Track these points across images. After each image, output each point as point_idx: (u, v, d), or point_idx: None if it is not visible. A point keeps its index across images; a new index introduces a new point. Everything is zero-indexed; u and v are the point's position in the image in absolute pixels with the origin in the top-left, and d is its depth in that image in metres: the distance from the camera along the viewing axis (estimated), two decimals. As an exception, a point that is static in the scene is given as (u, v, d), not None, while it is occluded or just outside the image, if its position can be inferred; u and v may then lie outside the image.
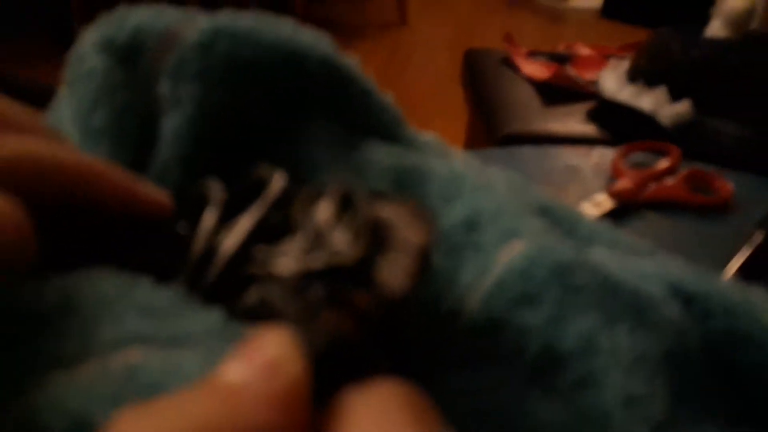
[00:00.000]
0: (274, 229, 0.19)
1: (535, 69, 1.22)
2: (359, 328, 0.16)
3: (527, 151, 0.61)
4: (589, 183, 0.55)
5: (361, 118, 0.28)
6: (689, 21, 1.05)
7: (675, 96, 0.97)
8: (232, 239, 0.19)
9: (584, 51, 1.34)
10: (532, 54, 1.34)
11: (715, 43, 0.96)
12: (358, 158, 0.26)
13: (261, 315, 0.17)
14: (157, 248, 0.20)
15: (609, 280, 0.21)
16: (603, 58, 1.29)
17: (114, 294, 0.17)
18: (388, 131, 0.29)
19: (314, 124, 0.26)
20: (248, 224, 0.19)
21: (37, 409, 0.14)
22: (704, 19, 1.01)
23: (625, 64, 1.10)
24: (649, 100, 0.98)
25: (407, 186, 0.26)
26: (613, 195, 0.51)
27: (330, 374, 0.15)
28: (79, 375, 0.15)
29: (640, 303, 0.21)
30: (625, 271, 0.23)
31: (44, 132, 0.20)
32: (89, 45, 0.26)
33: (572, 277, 0.21)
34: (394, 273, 0.17)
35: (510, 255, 0.22)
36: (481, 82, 1.25)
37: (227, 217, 0.20)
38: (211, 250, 0.19)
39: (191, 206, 0.21)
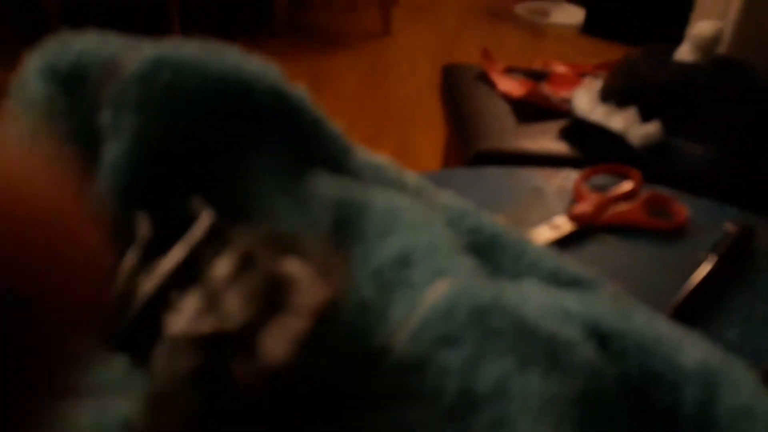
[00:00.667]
0: (192, 271, 0.19)
1: (511, 86, 1.24)
2: (235, 401, 0.16)
3: (494, 172, 0.63)
4: (551, 205, 0.56)
5: (309, 148, 0.29)
6: (667, 39, 1.07)
7: (645, 117, 0.99)
8: (148, 285, 0.19)
9: (560, 69, 1.37)
10: (509, 70, 1.36)
11: (683, 66, 0.98)
12: (303, 191, 0.27)
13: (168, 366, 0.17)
14: None
15: (525, 324, 0.22)
16: (578, 76, 1.31)
17: None
18: (337, 161, 0.30)
19: (261, 155, 0.27)
20: (167, 268, 0.19)
21: None
22: (681, 38, 1.04)
23: (598, 84, 1.12)
24: (620, 120, 1.00)
25: (347, 220, 0.26)
26: (572, 218, 0.53)
27: None
28: None
29: (555, 346, 0.22)
30: (546, 312, 0.24)
31: None
32: (32, 71, 0.26)
33: (490, 320, 0.21)
34: (278, 340, 0.16)
35: (435, 295, 0.22)
36: (457, 98, 1.26)
37: (155, 253, 0.20)
38: (129, 293, 0.19)
39: (122, 239, 0.21)
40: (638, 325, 0.25)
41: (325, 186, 0.27)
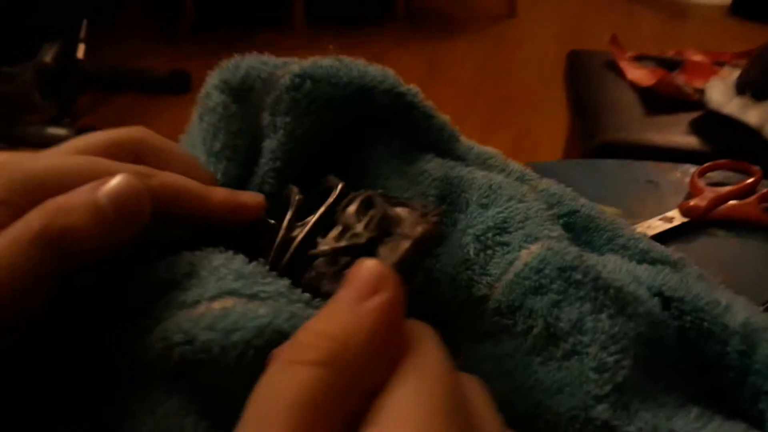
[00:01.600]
0: (331, 222, 0.29)
1: (641, 74, 1.26)
2: None
3: (609, 164, 0.68)
4: (665, 199, 0.61)
5: (421, 137, 0.38)
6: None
7: (784, 111, 0.99)
8: (301, 234, 0.29)
9: (696, 57, 1.36)
10: (639, 58, 1.37)
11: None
12: (414, 170, 0.35)
13: (313, 280, 0.27)
14: (253, 236, 0.30)
15: (601, 278, 0.29)
16: (715, 65, 1.31)
17: (220, 264, 0.27)
18: (445, 147, 0.38)
19: (380, 143, 0.36)
20: (312, 221, 0.29)
21: (165, 329, 0.24)
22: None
23: (734, 75, 1.12)
24: (756, 114, 1.01)
25: (452, 193, 0.35)
26: (684, 212, 0.57)
27: None
28: (194, 312, 0.25)
29: (624, 297, 0.29)
30: (620, 274, 0.32)
31: (181, 158, 0.31)
32: (212, 86, 0.37)
33: (573, 274, 0.29)
34: (390, 253, 0.26)
35: (529, 255, 0.30)
36: (582, 85, 1.30)
37: (305, 213, 0.30)
38: (288, 239, 0.29)
39: (281, 206, 0.31)
40: (696, 292, 0.32)
41: (433, 165, 0.36)
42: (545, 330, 0.28)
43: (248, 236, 0.31)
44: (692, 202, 0.58)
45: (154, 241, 0.29)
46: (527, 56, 2.66)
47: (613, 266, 0.33)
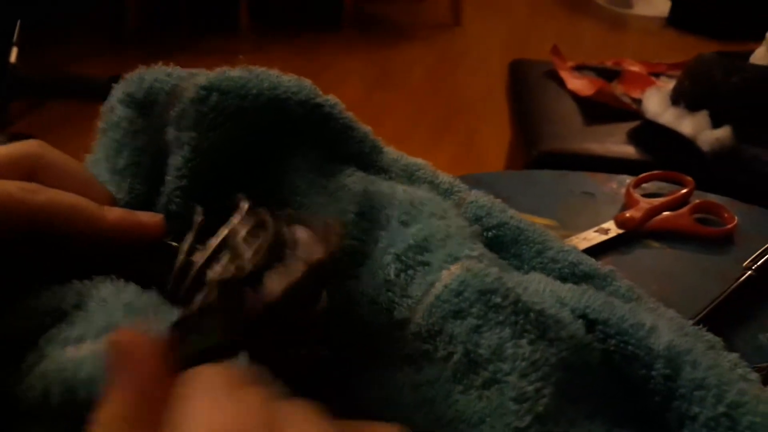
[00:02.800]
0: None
1: (580, 84, 1.28)
2: (245, 322, 0.24)
3: (546, 175, 0.68)
4: (601, 210, 0.61)
5: (341, 148, 0.37)
6: (758, 35, 1.09)
7: (716, 122, 1.02)
8: (201, 259, 0.27)
9: (633, 67, 1.39)
10: (580, 68, 1.39)
11: (757, 70, 1.01)
12: (333, 184, 0.34)
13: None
14: (153, 259, 0.29)
15: (521, 302, 0.29)
16: (652, 76, 1.34)
17: (108, 295, 0.26)
18: (367, 159, 0.38)
19: (297, 156, 0.35)
20: (213, 246, 0.27)
21: (45, 374, 0.22)
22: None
23: (670, 85, 1.15)
24: (690, 124, 1.04)
25: (372, 209, 0.34)
26: (620, 223, 0.58)
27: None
28: (77, 353, 0.23)
29: (545, 322, 0.29)
30: (543, 296, 0.31)
31: (78, 175, 0.30)
32: (116, 99, 0.35)
33: (493, 298, 0.28)
34: (278, 281, 0.24)
35: (449, 276, 0.29)
36: (523, 95, 1.31)
37: (209, 234, 0.28)
38: (188, 264, 0.27)
39: (187, 226, 0.29)
40: (620, 314, 0.31)
41: (353, 180, 0.35)
42: (465, 357, 0.28)
43: (147, 259, 0.29)
44: (627, 214, 0.58)
45: (41, 262, 0.28)
46: (473, 64, 2.69)
47: (536, 287, 0.32)
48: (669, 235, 0.58)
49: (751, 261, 0.54)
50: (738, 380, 0.30)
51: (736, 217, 0.59)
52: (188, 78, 0.34)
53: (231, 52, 2.63)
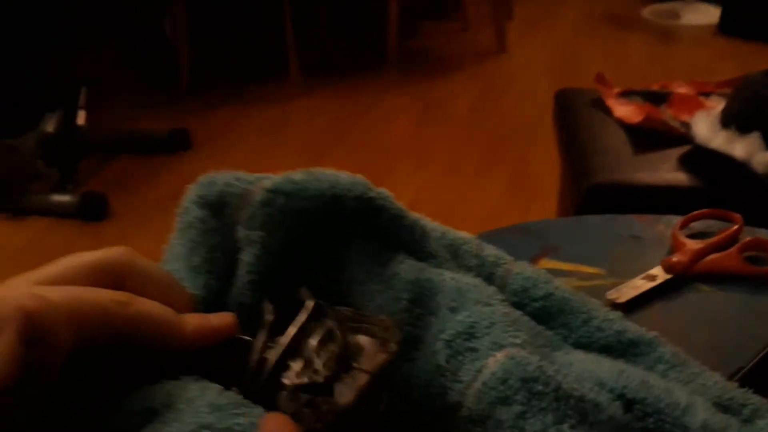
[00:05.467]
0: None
1: (628, 111, 1.27)
2: (323, 423, 0.27)
3: (593, 220, 0.69)
4: (648, 254, 0.62)
5: (393, 237, 0.39)
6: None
7: (770, 143, 1.00)
8: (272, 356, 0.29)
9: (681, 89, 1.38)
10: (626, 93, 1.39)
11: (810, 88, 0.99)
12: (387, 272, 0.37)
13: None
14: (228, 354, 0.32)
15: (561, 388, 0.30)
16: (701, 96, 1.32)
17: (195, 395, 0.28)
18: (416, 245, 0.40)
19: (353, 248, 0.38)
20: (284, 343, 0.29)
21: None
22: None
23: (718, 108, 1.14)
24: (742, 147, 1.02)
25: (423, 296, 0.36)
26: (667, 268, 0.58)
27: None
28: None
29: (585, 406, 0.30)
30: (582, 380, 0.32)
31: (161, 280, 0.33)
32: (189, 201, 0.39)
33: (535, 385, 0.30)
34: (347, 389, 0.27)
35: (495, 363, 0.31)
36: (570, 125, 1.32)
37: (280, 329, 0.30)
38: (261, 361, 0.30)
39: (259, 318, 0.32)
40: (656, 393, 0.32)
41: (405, 268, 0.37)
42: None
43: (223, 354, 0.32)
44: (674, 258, 0.59)
45: (131, 366, 0.30)
46: (520, 91, 2.70)
47: (576, 369, 0.34)
48: (718, 278, 0.58)
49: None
50: None
51: (789, 255, 0.59)
52: (255, 182, 0.38)
53: (282, 99, 2.71)
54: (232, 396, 0.29)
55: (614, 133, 1.23)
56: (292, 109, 2.65)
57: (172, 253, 0.38)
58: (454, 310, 0.35)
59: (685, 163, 1.09)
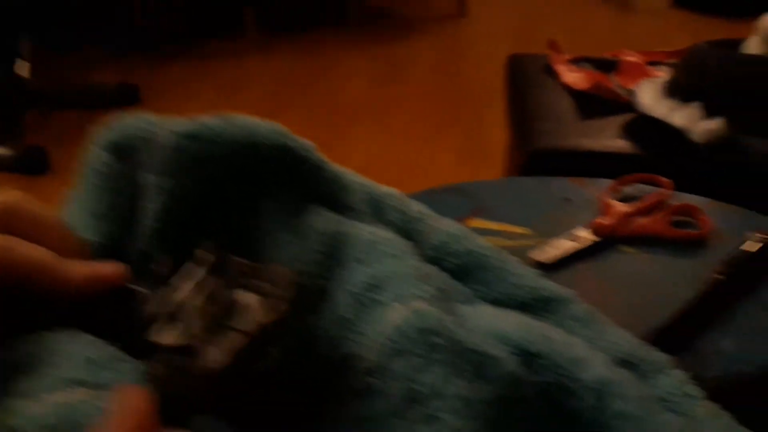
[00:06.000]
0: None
1: (576, 78, 1.27)
2: (189, 388, 0.25)
3: (527, 182, 0.69)
4: (577, 217, 0.62)
5: (311, 189, 0.38)
6: (765, 9, 1.07)
7: (710, 113, 1.01)
8: (154, 312, 0.28)
9: (631, 57, 1.38)
10: (578, 60, 1.39)
11: (751, 59, 1.00)
12: (302, 224, 0.36)
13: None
14: (117, 305, 0.30)
15: (460, 342, 0.30)
16: (650, 65, 1.33)
17: (70, 348, 0.27)
18: (336, 198, 0.39)
19: (269, 199, 0.36)
20: (168, 299, 0.28)
21: (10, 427, 0.24)
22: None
23: (663, 77, 1.14)
24: (683, 116, 1.03)
25: (336, 249, 0.35)
26: (594, 230, 0.58)
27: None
28: (33, 406, 0.25)
29: (482, 360, 0.30)
30: (484, 335, 0.32)
31: (53, 226, 0.31)
32: (97, 145, 0.36)
33: (433, 338, 0.30)
34: (217, 354, 0.26)
35: (397, 316, 0.31)
36: (519, 90, 1.31)
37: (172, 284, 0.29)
38: (145, 317, 0.28)
39: (151, 275, 0.31)
40: (556, 348, 0.32)
41: (321, 220, 0.36)
42: (407, 393, 0.29)
43: (112, 306, 0.31)
44: (601, 220, 0.59)
45: (9, 314, 0.29)
46: (479, 55, 2.68)
47: (483, 324, 0.33)
48: (643, 241, 0.59)
49: (722, 264, 0.54)
50: (661, 412, 0.31)
51: (711, 220, 0.60)
52: (167, 126, 0.36)
53: (237, 55, 2.64)
54: (112, 351, 0.28)
55: (561, 100, 1.23)
56: (247, 67, 2.59)
57: (75, 198, 0.37)
58: (362, 262, 0.34)
59: (628, 130, 1.10)
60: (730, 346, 0.47)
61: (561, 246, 0.57)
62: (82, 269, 0.30)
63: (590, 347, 0.35)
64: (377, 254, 0.34)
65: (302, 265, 0.34)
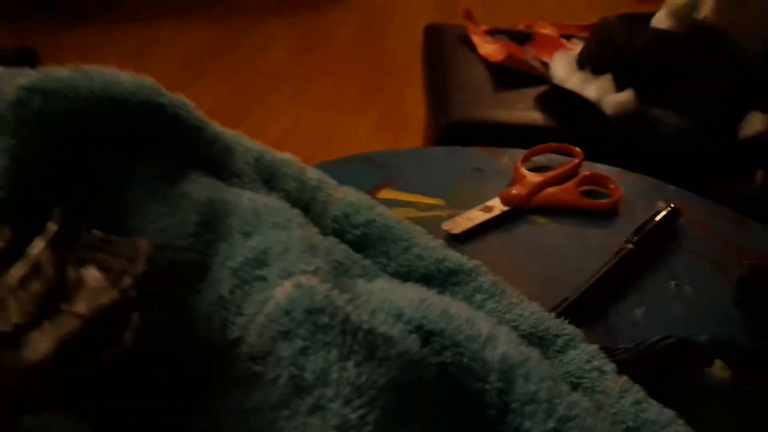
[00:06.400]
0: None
1: (491, 49, 1.26)
2: (16, 383, 0.21)
3: (437, 152, 0.67)
4: (489, 187, 0.60)
5: (188, 152, 0.34)
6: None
7: (620, 85, 1.02)
8: None
9: (545, 29, 1.38)
10: (493, 32, 1.38)
11: (659, 33, 1.01)
12: (176, 193, 0.32)
13: None
14: None
15: (349, 321, 0.27)
16: (564, 38, 1.33)
17: None
18: (217, 163, 0.35)
19: (140, 162, 0.32)
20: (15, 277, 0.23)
21: None
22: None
23: (577, 49, 1.15)
24: (594, 89, 1.04)
25: (215, 218, 0.31)
26: (505, 200, 0.57)
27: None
28: None
29: (375, 341, 0.27)
30: (379, 313, 0.29)
31: None
32: None
33: (321, 318, 0.26)
34: (45, 339, 0.21)
35: (282, 293, 0.27)
36: (436, 61, 1.29)
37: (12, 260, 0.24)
38: None
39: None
40: (456, 325, 0.30)
41: (198, 187, 0.32)
42: (291, 380, 0.26)
43: None
44: (513, 191, 0.58)
45: None
46: (400, 27, 2.64)
47: (376, 299, 0.30)
48: (555, 211, 0.58)
49: (631, 234, 0.53)
50: (568, 393, 0.29)
51: (622, 189, 0.59)
52: (7, 78, 0.31)
53: (149, 19, 2.51)
54: None
55: (477, 71, 1.21)
56: (160, 32, 2.46)
57: None
58: (246, 234, 0.31)
59: (541, 102, 1.10)
60: (642, 315, 0.47)
61: (471, 217, 0.55)
62: None
63: (496, 322, 0.33)
64: (262, 225, 0.31)
65: (175, 238, 0.30)
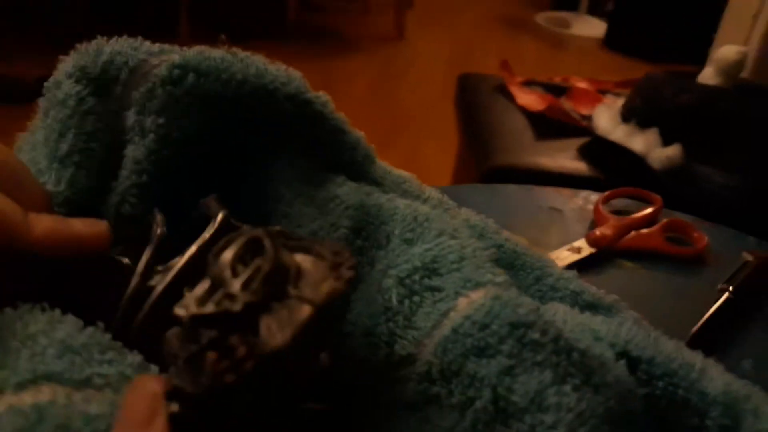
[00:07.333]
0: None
1: (530, 99, 1.26)
2: (238, 374, 0.17)
3: (511, 190, 0.65)
4: (570, 227, 0.58)
5: (330, 155, 0.31)
6: (690, 59, 1.09)
7: (666, 140, 1.01)
8: (160, 285, 0.21)
9: (581, 84, 1.39)
10: (528, 83, 1.38)
11: (706, 89, 1.01)
12: (323, 194, 0.29)
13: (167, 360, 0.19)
14: (96, 280, 0.22)
15: (562, 339, 0.24)
16: (599, 93, 1.34)
17: (38, 330, 0.19)
18: (358, 168, 0.32)
19: (282, 159, 0.29)
20: (177, 268, 0.21)
21: None
22: (702, 59, 1.05)
23: (619, 102, 1.14)
24: (641, 142, 1.03)
25: (369, 224, 0.28)
26: (592, 242, 0.55)
27: (216, 413, 0.17)
28: None
29: (589, 364, 0.24)
30: (579, 332, 0.26)
31: (7, 167, 0.24)
32: (64, 74, 0.29)
33: (529, 333, 0.23)
34: (280, 325, 0.18)
35: (469, 305, 0.24)
36: (473, 109, 1.29)
37: (172, 252, 0.22)
38: (143, 290, 0.21)
39: (143, 236, 0.23)
40: (665, 351, 0.27)
41: (346, 191, 0.29)
42: (492, 404, 0.22)
43: (90, 277, 0.23)
44: (599, 232, 0.55)
45: None
46: (417, 78, 2.67)
47: (566, 320, 0.27)
48: (641, 255, 0.55)
49: (726, 282, 0.51)
50: None
51: (706, 237, 0.57)
52: (159, 54, 0.28)
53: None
54: (96, 335, 0.20)
55: (516, 119, 1.21)
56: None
57: (31, 139, 0.28)
58: (408, 241, 0.28)
59: (584, 152, 1.09)
60: (750, 367, 0.44)
61: (561, 257, 0.52)
62: (47, 223, 0.23)
63: (702, 355, 0.29)
64: (427, 232, 0.28)
65: None
